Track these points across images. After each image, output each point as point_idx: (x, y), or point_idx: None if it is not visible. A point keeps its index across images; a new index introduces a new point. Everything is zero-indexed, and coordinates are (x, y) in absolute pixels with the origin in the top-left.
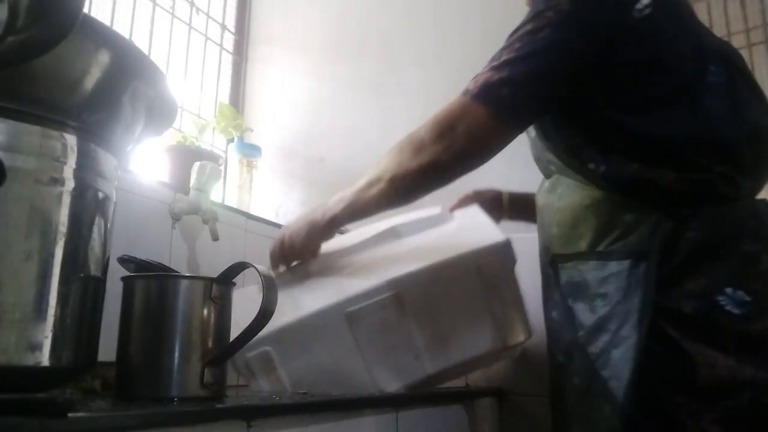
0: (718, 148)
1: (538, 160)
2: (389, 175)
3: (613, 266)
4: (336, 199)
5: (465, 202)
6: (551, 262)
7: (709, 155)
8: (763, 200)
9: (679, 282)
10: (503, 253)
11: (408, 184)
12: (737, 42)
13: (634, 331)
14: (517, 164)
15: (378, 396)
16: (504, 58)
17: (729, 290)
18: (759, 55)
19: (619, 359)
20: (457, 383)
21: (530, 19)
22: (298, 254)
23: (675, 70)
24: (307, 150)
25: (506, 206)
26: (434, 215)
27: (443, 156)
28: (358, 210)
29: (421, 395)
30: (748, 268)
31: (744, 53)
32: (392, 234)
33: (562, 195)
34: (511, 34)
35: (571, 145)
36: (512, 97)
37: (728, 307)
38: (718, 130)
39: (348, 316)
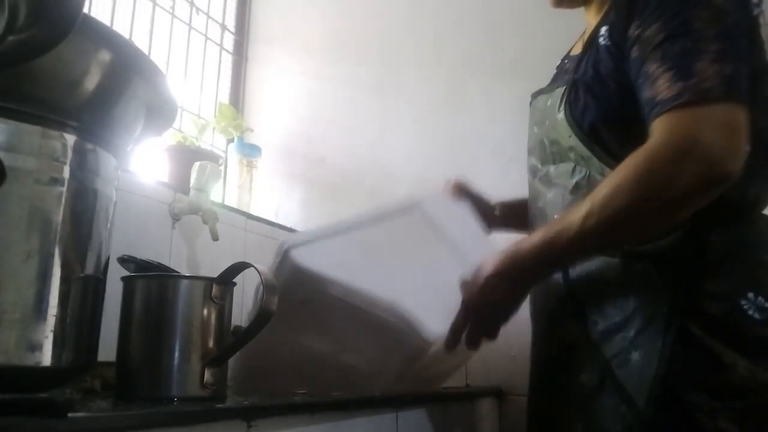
0: None
1: (552, 143)
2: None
3: (639, 267)
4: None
5: (458, 192)
6: None
7: None
8: None
9: (703, 283)
10: None
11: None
12: None
13: (659, 335)
14: (519, 164)
15: (378, 396)
16: (714, 47)
17: (751, 295)
18: None
19: (639, 361)
20: (458, 383)
21: (693, 3)
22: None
23: (761, 80)
24: (307, 150)
25: (497, 219)
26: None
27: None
28: None
29: (421, 395)
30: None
31: None
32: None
33: (581, 184)
34: (672, 19)
35: (610, 140)
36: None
37: (750, 311)
38: None
39: None
